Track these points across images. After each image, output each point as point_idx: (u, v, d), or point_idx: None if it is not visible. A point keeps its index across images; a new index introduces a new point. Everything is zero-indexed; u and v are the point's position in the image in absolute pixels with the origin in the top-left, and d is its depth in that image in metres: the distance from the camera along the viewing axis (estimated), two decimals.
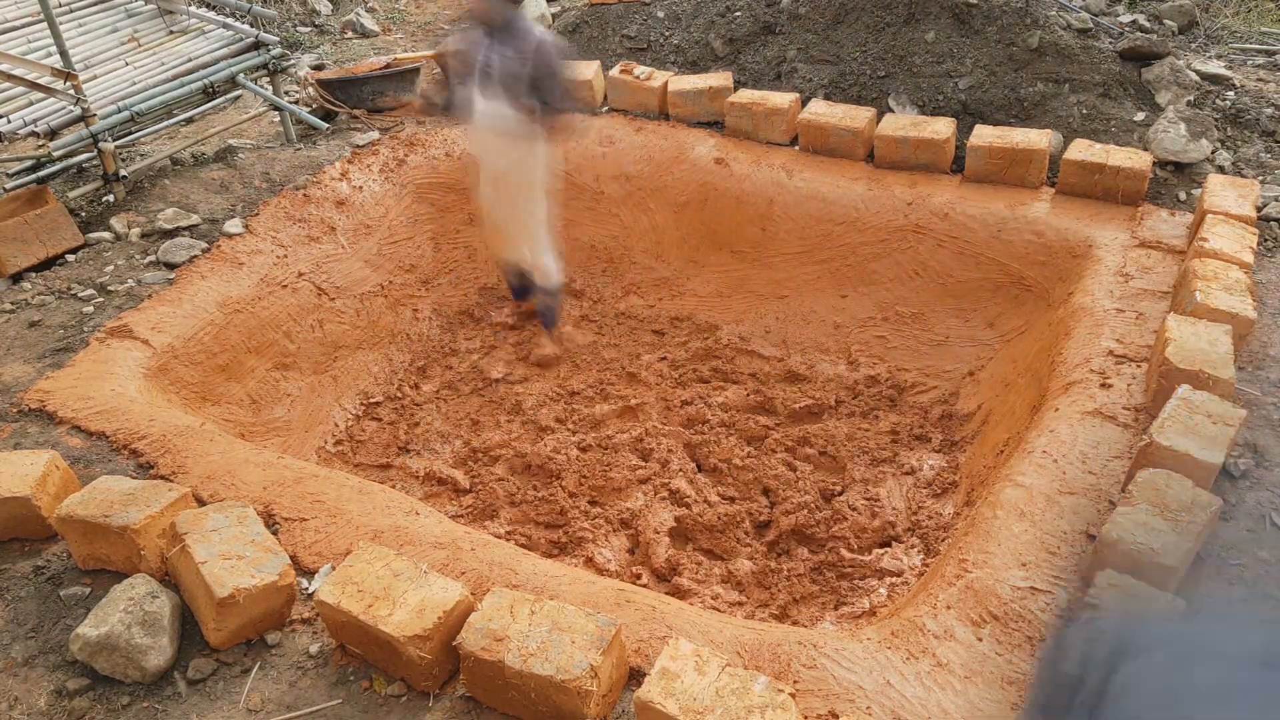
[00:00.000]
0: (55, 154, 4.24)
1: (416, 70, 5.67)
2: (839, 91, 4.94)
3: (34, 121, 4.16)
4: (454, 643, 2.17)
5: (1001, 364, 4.04)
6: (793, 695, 1.99)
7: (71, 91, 4.19)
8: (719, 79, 5.07)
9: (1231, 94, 4.64)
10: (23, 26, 4.72)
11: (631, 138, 5.14)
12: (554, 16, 6.17)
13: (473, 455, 4.09)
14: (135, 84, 4.61)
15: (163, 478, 2.95)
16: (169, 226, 4.31)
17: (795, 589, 3.33)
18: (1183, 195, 4.09)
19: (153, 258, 4.14)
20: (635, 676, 2.25)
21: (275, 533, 2.74)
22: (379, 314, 4.69)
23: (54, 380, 3.40)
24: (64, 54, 4.16)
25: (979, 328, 4.25)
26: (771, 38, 5.26)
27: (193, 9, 5.24)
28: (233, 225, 4.35)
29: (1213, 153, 4.28)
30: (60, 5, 4.90)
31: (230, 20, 5.18)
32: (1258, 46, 5.42)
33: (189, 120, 5.19)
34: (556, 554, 3.52)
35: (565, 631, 2.13)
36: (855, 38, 5.01)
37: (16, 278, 4.04)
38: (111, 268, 4.08)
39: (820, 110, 4.72)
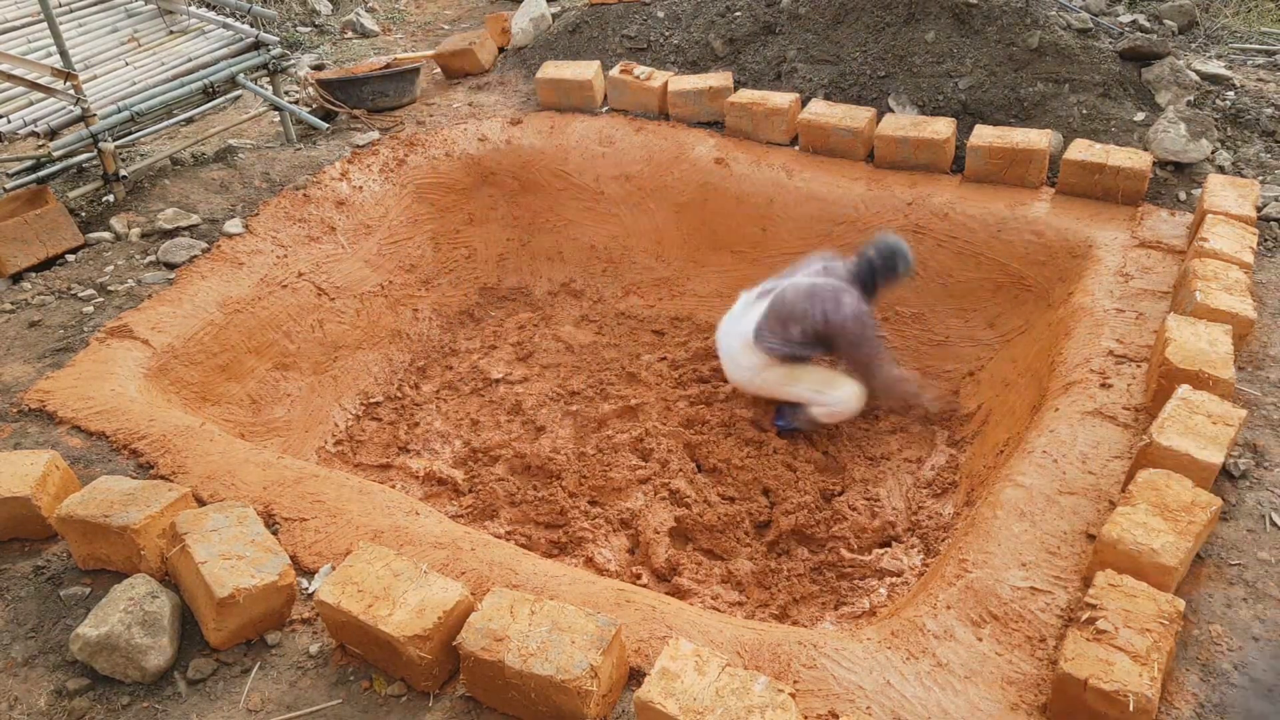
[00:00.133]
0: (55, 154, 4.24)
1: (417, 70, 5.67)
2: (839, 91, 4.94)
3: (34, 121, 4.16)
4: (454, 643, 2.17)
5: (1001, 364, 4.04)
6: (793, 695, 1.98)
7: (71, 91, 4.19)
8: (719, 79, 5.07)
9: (1231, 94, 4.64)
10: (23, 26, 4.72)
11: (631, 138, 5.15)
12: (554, 16, 6.17)
13: (472, 455, 4.09)
14: (135, 84, 4.61)
15: (163, 478, 2.95)
16: (169, 226, 4.31)
17: (795, 589, 3.33)
18: (1183, 195, 4.09)
19: (153, 258, 4.14)
20: (635, 676, 2.25)
21: (275, 533, 2.75)
22: (379, 314, 4.69)
23: (54, 380, 3.40)
24: (64, 54, 4.16)
25: (979, 328, 4.25)
26: (771, 38, 5.26)
27: (193, 9, 5.24)
28: (233, 225, 4.35)
29: (1213, 153, 4.28)
30: (60, 5, 4.90)
31: (230, 20, 5.18)
32: (1258, 46, 5.42)
33: (189, 120, 5.19)
34: (556, 554, 3.52)
35: (565, 631, 2.13)
36: (855, 38, 5.01)
37: (16, 278, 4.04)
38: (111, 268, 4.08)
39: (820, 110, 4.72)
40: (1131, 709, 1.98)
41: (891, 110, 4.76)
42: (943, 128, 4.44)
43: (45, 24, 4.21)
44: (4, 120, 4.14)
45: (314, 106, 5.46)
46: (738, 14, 5.40)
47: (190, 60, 4.84)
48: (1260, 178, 4.15)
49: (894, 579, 3.29)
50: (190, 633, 2.41)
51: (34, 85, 4.19)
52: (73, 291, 3.94)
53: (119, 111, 4.38)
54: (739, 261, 4.85)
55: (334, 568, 2.57)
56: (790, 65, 5.12)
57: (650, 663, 2.22)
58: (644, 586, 3.26)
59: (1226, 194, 3.76)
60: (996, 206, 4.22)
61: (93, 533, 2.51)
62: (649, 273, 5.07)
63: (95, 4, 5.11)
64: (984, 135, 4.33)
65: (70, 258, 4.17)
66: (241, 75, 4.94)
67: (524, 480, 3.91)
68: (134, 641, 2.27)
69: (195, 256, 4.14)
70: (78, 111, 4.22)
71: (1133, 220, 3.98)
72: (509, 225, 5.31)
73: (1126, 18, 5.35)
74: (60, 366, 3.49)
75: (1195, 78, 4.65)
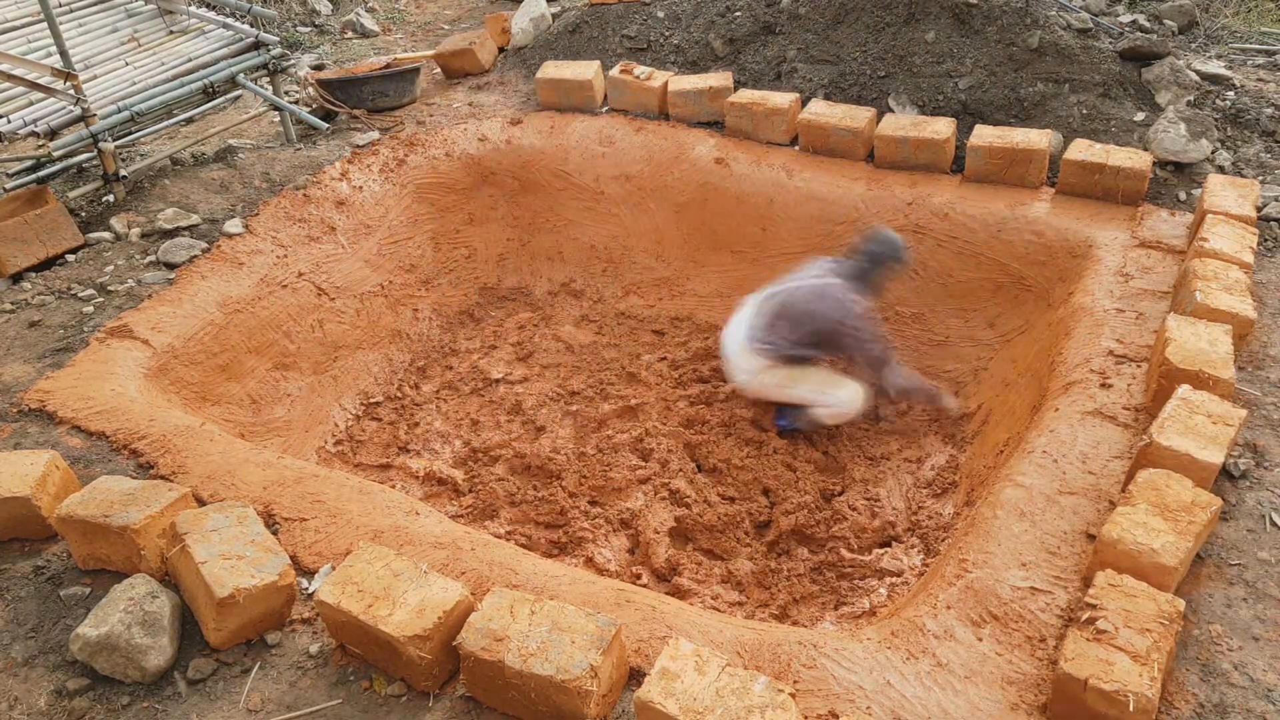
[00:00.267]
0: (55, 154, 4.24)
1: (416, 70, 5.67)
2: (839, 91, 4.94)
3: (34, 121, 4.16)
4: (454, 643, 2.17)
5: (1001, 364, 4.04)
6: (793, 695, 1.98)
7: (71, 91, 4.19)
8: (719, 79, 5.07)
9: (1231, 94, 4.64)
10: (23, 26, 4.72)
11: (631, 138, 5.15)
12: (554, 16, 6.17)
13: (472, 455, 4.09)
14: (135, 84, 4.61)
15: (163, 478, 2.95)
16: (169, 226, 4.31)
17: (795, 589, 3.33)
18: (1183, 195, 4.09)
19: (153, 258, 4.14)
20: (635, 676, 2.25)
21: (275, 533, 2.75)
22: (379, 314, 4.69)
23: (54, 380, 3.40)
24: (64, 54, 4.16)
25: (979, 328, 4.25)
26: (771, 38, 5.26)
27: (193, 9, 5.24)
28: (233, 225, 4.35)
29: (1213, 153, 4.28)
30: (60, 5, 4.90)
31: (230, 20, 5.18)
32: (1258, 46, 5.42)
33: (189, 120, 5.19)
34: (556, 554, 3.52)
35: (565, 631, 2.13)
36: (855, 38, 5.01)
37: (16, 278, 4.04)
38: (111, 268, 4.08)
39: (820, 110, 4.72)
40: (1131, 709, 1.98)
41: (891, 110, 4.76)
42: (943, 128, 4.44)
43: (45, 24, 4.21)
44: (4, 120, 4.14)
45: (314, 106, 5.46)
46: (738, 14, 5.40)
47: (190, 60, 4.84)
48: (1260, 178, 4.16)
49: (894, 579, 3.29)
50: (190, 633, 2.41)
51: (34, 85, 4.19)
52: (73, 291, 3.94)
53: (119, 111, 4.38)
54: (739, 261, 4.85)
55: (334, 568, 2.57)
56: (790, 65, 5.12)
57: (650, 663, 2.22)
58: (644, 586, 3.26)
59: (1226, 194, 3.76)
60: (996, 206, 4.22)
61: (93, 533, 2.51)
62: (649, 273, 5.07)
63: (95, 4, 5.11)
64: (984, 135, 4.33)
65: (70, 258, 4.17)
66: (241, 75, 4.94)
67: (524, 480, 3.91)
68: (134, 641, 2.27)
69: (195, 256, 4.14)
70: (78, 111, 4.22)
71: (1133, 220, 3.98)
72: (509, 225, 5.31)
73: (1126, 18, 5.35)
74: (60, 366, 3.49)
75: (1195, 78, 4.65)
